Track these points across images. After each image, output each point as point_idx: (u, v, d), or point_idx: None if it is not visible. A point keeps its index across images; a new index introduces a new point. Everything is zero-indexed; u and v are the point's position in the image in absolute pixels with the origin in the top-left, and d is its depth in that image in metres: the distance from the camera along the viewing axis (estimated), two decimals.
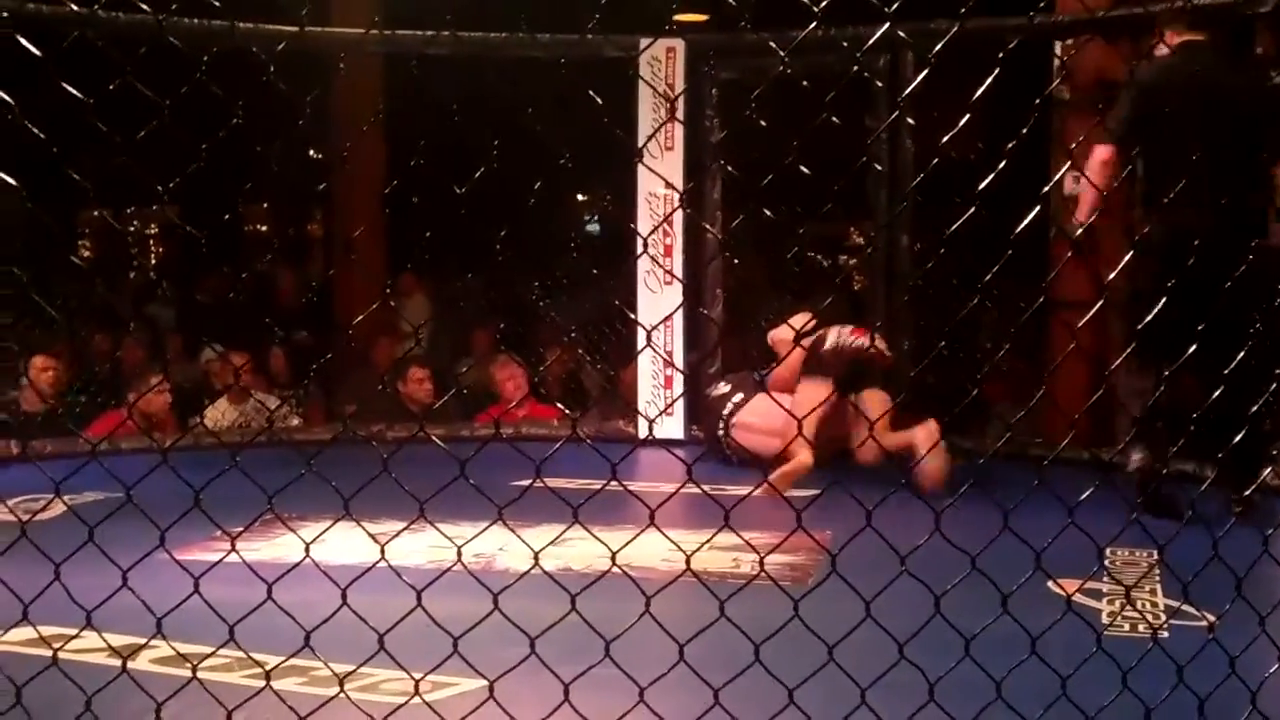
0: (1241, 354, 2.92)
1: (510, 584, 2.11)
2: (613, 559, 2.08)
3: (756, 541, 2.20)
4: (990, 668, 2.13)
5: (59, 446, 5.57)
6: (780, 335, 5.80)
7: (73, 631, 2.37)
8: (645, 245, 5.79)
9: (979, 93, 2.17)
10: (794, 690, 2.07)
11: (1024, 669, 2.13)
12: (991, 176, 2.14)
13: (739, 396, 5.77)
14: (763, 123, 3.65)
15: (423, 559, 3.68)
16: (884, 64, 6.10)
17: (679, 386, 6.40)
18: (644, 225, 6.26)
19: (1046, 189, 5.30)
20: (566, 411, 7.07)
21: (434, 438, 2.32)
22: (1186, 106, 4.47)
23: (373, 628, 2.10)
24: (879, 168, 6.12)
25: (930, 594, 2.07)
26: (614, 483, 2.10)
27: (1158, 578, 3.67)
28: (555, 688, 2.08)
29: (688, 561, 2.04)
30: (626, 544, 2.18)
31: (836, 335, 5.32)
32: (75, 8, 4.53)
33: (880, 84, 6.09)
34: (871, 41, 5.27)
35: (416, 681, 2.14)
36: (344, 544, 2.55)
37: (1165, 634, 3.03)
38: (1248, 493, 4.20)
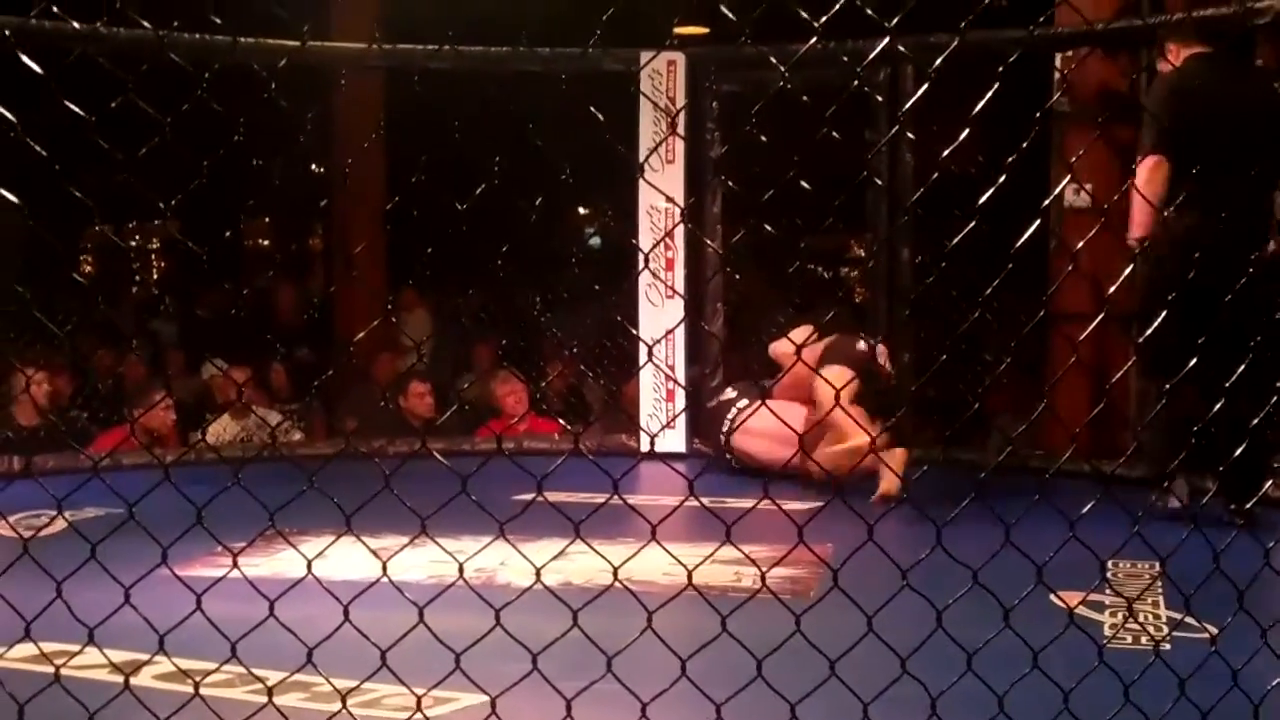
0: (1246, 366, 2.92)
1: (512, 599, 2.10)
2: (614, 574, 2.08)
3: (758, 555, 2.20)
4: (992, 681, 2.13)
5: (60, 462, 5.57)
6: (781, 349, 5.81)
7: (75, 648, 2.37)
8: (646, 260, 5.79)
9: (979, 106, 2.18)
10: (796, 705, 2.06)
11: (1026, 682, 2.13)
12: (992, 190, 2.14)
13: (743, 403, 5.78)
14: (763, 137, 3.66)
15: (424, 574, 3.68)
16: (884, 78, 6.11)
17: (681, 401, 6.40)
18: (645, 239, 6.26)
19: (1047, 202, 5.31)
20: (568, 426, 7.07)
21: (435, 453, 2.32)
22: (1211, 115, 4.48)
23: (375, 643, 2.10)
24: (879, 181, 6.13)
25: (932, 607, 2.07)
26: (615, 497, 2.10)
27: (1160, 590, 3.67)
28: (557, 703, 2.07)
29: (689, 576, 2.04)
30: (628, 559, 2.18)
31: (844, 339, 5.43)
32: (77, 25, 4.54)
33: (880, 98, 6.10)
34: (872, 56, 5.29)
35: (419, 697, 2.14)
36: (346, 560, 2.55)
37: (1167, 646, 3.02)
38: (1249, 504, 4.20)
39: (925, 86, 2.55)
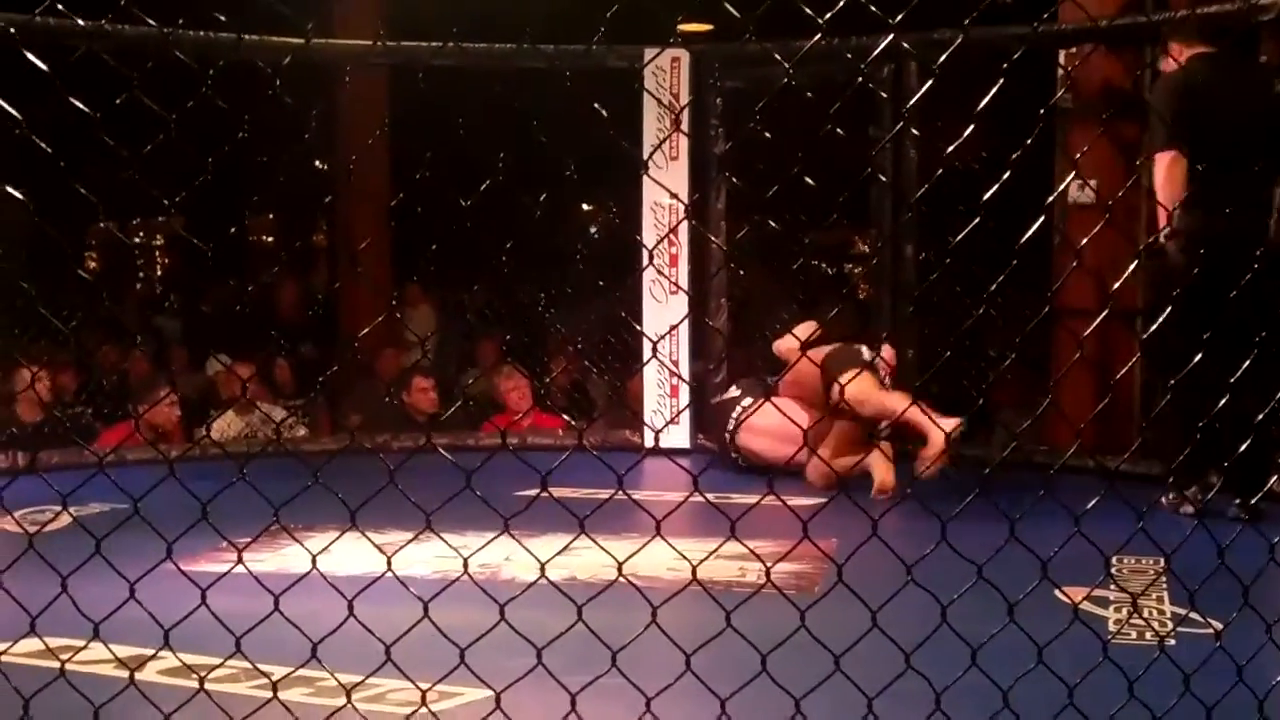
0: (1252, 360, 2.91)
1: (516, 594, 2.11)
2: (619, 569, 2.08)
3: (762, 550, 2.20)
4: (997, 677, 2.13)
5: (65, 458, 5.58)
6: (785, 345, 5.81)
7: (80, 643, 2.37)
8: (651, 257, 5.79)
9: (983, 102, 2.18)
10: (801, 700, 2.06)
11: (1031, 678, 2.13)
12: (996, 186, 2.14)
13: (748, 400, 5.78)
14: (767, 133, 3.66)
15: (429, 569, 3.68)
16: (888, 74, 6.11)
17: (685, 396, 6.41)
18: (649, 235, 6.27)
19: (1051, 198, 5.30)
20: (572, 422, 7.07)
21: (440, 448, 2.32)
22: (1217, 113, 4.48)
23: (379, 638, 2.10)
24: (883, 178, 6.12)
25: (937, 603, 2.07)
26: (620, 493, 2.10)
27: (1165, 586, 3.67)
28: (562, 698, 2.07)
29: (694, 571, 2.04)
30: (633, 554, 2.18)
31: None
32: (81, 21, 4.54)
33: (884, 94, 6.09)
34: (876, 52, 5.28)
35: (423, 692, 2.15)
36: (350, 555, 2.55)
37: (1172, 642, 3.02)
38: (1255, 500, 4.20)
39: (929, 83, 2.56)
